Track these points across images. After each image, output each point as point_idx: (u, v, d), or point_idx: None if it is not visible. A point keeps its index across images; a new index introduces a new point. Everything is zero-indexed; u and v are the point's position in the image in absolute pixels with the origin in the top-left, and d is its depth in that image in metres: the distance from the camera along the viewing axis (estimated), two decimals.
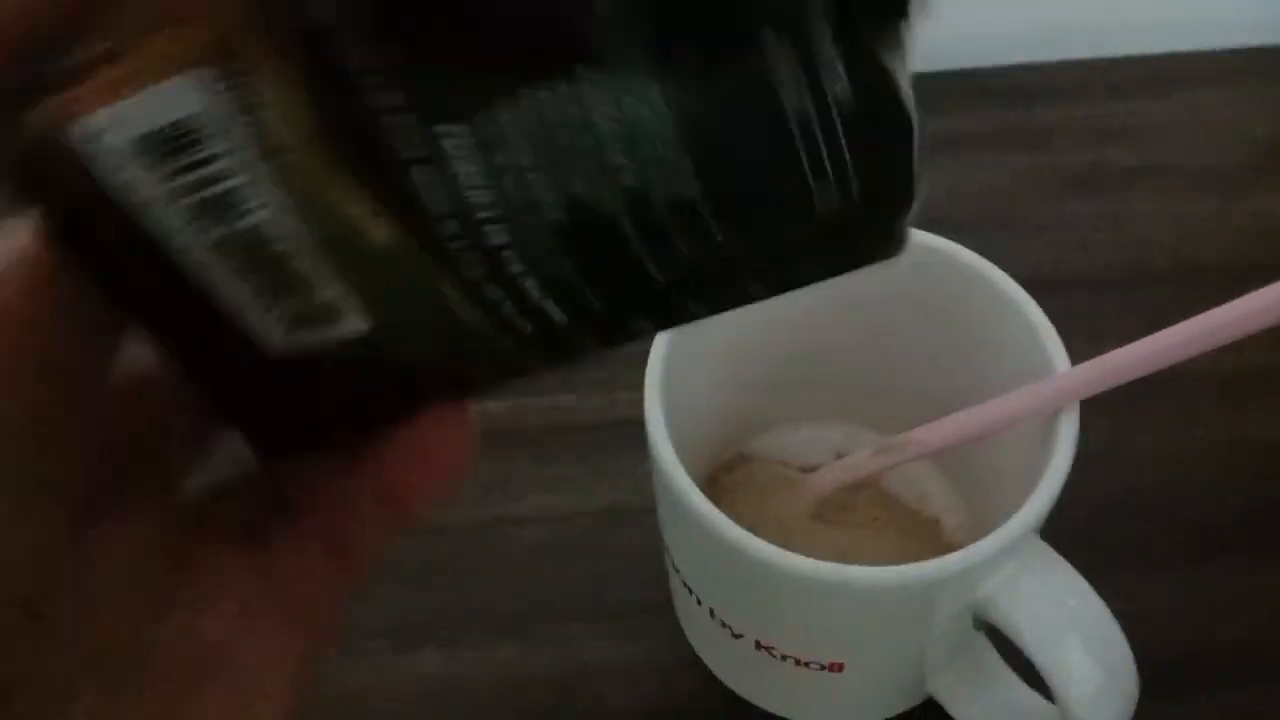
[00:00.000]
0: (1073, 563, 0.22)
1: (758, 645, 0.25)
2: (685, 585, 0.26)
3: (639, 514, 0.32)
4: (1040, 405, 0.23)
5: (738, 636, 0.25)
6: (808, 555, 0.27)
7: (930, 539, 0.29)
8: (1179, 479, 0.32)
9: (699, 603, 0.25)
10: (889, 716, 0.27)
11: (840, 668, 0.24)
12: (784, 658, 0.24)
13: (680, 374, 0.24)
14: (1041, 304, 0.24)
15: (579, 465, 0.33)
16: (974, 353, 0.26)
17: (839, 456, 0.30)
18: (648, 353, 0.24)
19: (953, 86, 0.41)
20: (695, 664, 0.28)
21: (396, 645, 0.30)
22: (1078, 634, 0.22)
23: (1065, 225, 0.38)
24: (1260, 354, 0.27)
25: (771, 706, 0.28)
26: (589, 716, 0.29)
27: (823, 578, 0.21)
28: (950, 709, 0.26)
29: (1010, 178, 0.39)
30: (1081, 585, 0.22)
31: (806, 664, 0.24)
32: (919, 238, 0.26)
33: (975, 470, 0.29)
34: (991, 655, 0.26)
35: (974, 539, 0.29)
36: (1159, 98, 0.41)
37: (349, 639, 0.30)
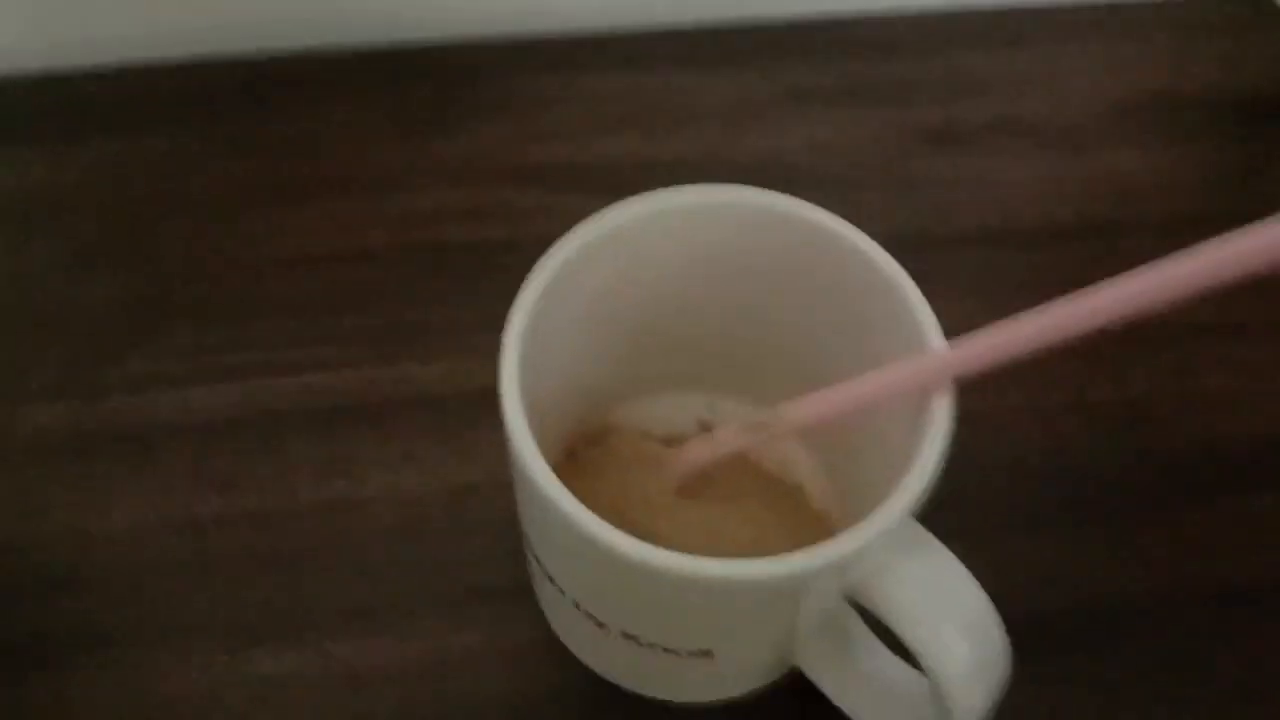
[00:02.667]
0: (946, 525, 0.22)
1: (624, 635, 0.23)
2: (547, 576, 0.24)
3: (495, 491, 0.30)
4: (913, 383, 0.22)
5: (601, 626, 0.24)
6: (674, 534, 0.26)
7: (795, 509, 0.28)
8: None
9: (562, 592, 0.24)
10: (759, 687, 0.27)
11: (710, 654, 0.24)
12: (650, 645, 0.23)
13: (539, 340, 0.23)
14: (906, 265, 0.23)
15: (425, 441, 0.31)
16: (847, 326, 0.25)
17: (702, 426, 0.29)
18: (501, 317, 0.22)
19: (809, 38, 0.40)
20: (557, 647, 0.27)
21: (228, 646, 0.28)
22: (952, 620, 0.22)
23: (924, 182, 0.37)
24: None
25: (638, 689, 0.27)
26: (445, 710, 0.27)
27: (689, 573, 0.20)
28: (818, 682, 0.26)
29: (868, 133, 0.38)
30: (956, 568, 0.22)
31: (674, 651, 0.23)
32: (787, 203, 0.24)
33: (837, 439, 0.28)
34: (859, 627, 0.26)
35: (839, 507, 0.29)
36: (1016, 51, 0.41)
37: (176, 641, 0.27)
